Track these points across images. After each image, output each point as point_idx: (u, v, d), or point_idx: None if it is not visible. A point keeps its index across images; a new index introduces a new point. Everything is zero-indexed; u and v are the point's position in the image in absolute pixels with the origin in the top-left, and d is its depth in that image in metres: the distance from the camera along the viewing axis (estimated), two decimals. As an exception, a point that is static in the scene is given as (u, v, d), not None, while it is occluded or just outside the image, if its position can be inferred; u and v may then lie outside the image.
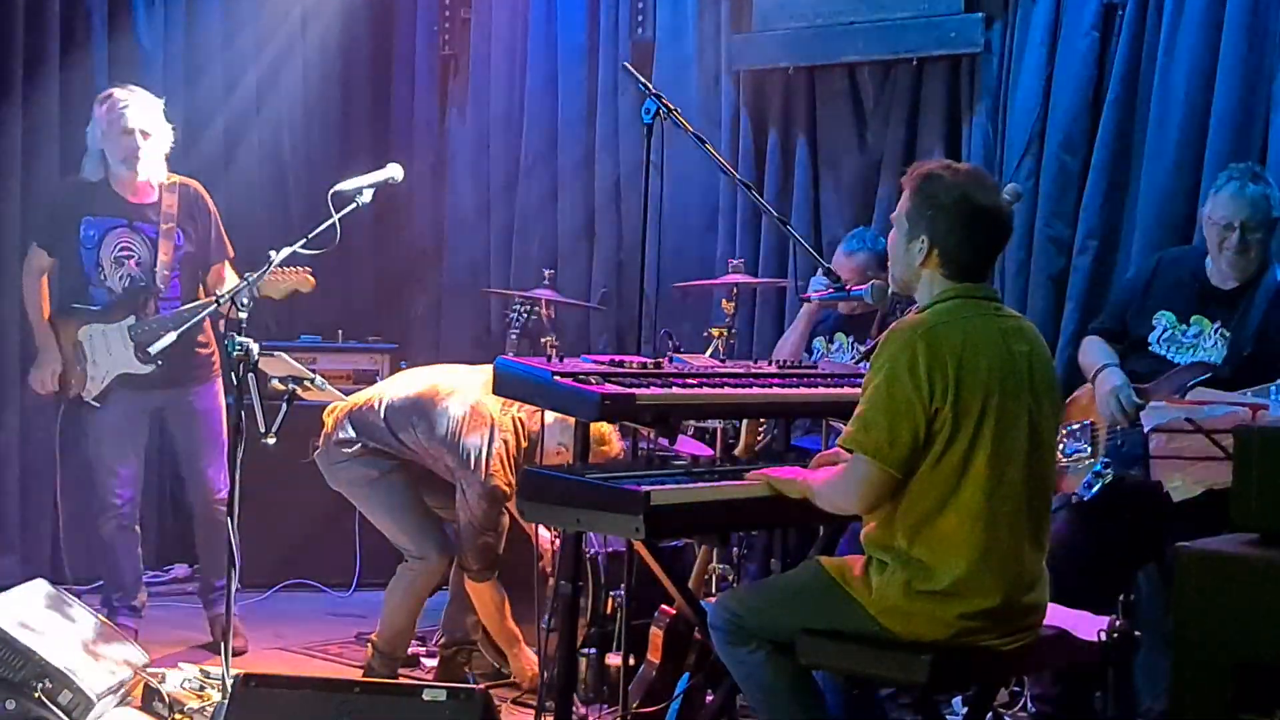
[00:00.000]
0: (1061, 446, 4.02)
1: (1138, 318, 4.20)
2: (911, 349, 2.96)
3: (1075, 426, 4.12)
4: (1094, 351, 4.24)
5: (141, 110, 4.85)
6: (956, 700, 4.30)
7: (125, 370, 4.86)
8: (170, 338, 4.11)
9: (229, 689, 3.72)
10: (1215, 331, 4.06)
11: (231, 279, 4.96)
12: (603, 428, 4.13)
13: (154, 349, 4.15)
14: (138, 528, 5.05)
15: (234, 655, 4.74)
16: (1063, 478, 4.01)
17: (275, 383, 4.30)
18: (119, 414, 4.92)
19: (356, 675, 4.64)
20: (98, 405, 4.89)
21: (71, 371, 4.91)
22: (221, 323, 4.72)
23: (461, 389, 4.37)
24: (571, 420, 3.70)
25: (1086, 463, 4.03)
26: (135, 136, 4.82)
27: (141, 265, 4.87)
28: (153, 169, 4.89)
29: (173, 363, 4.67)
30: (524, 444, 4.32)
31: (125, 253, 4.88)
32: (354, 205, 4.30)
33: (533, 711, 3.95)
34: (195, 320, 4.51)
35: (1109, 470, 3.92)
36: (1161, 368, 4.04)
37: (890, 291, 3.54)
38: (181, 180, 4.98)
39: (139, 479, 5.03)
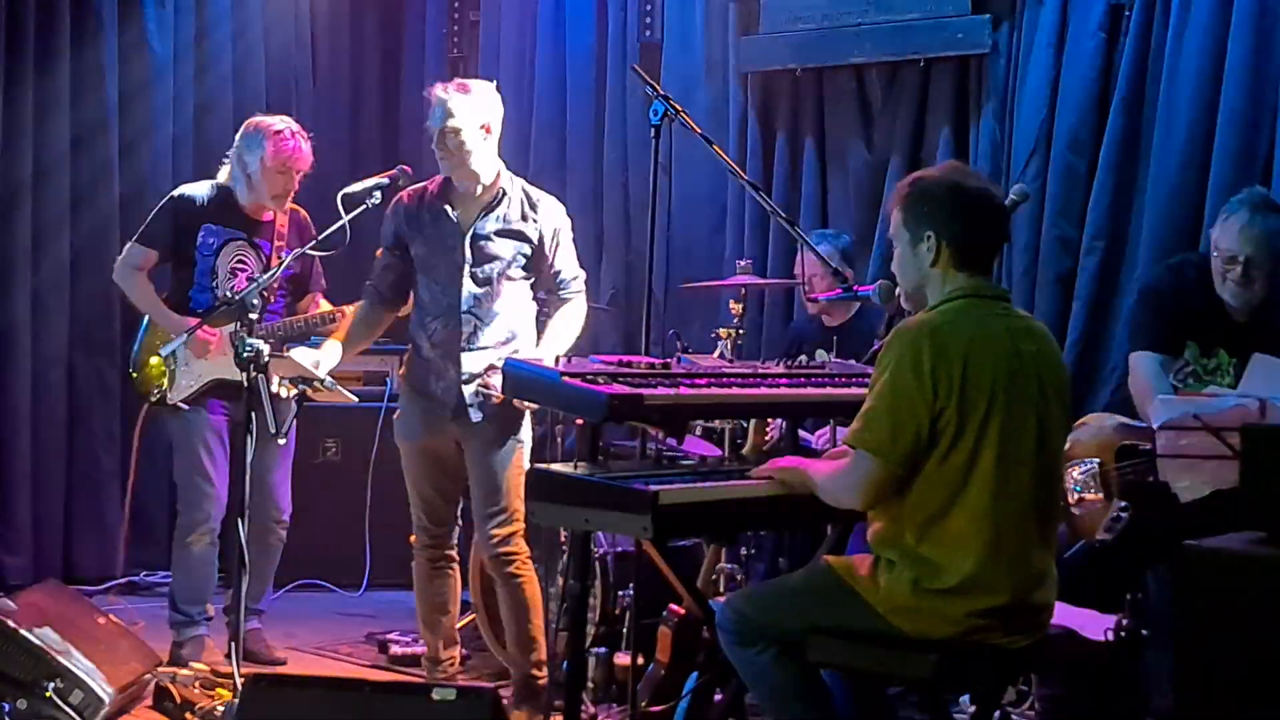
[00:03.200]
0: (1070, 485, 3.95)
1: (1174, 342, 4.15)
2: (916, 347, 2.98)
3: (1083, 468, 4.01)
4: (1152, 377, 4.05)
5: (306, 151, 4.85)
6: (965, 698, 4.30)
7: (222, 376, 4.75)
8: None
9: (239, 689, 3.73)
10: (1231, 366, 4.06)
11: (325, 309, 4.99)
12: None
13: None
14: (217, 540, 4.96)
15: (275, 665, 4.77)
16: (1079, 523, 3.97)
17: (286, 383, 4.31)
18: (216, 424, 4.83)
19: (367, 675, 4.65)
20: (185, 408, 4.81)
21: (156, 373, 4.81)
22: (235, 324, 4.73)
23: None
24: None
25: (1101, 505, 3.96)
26: (294, 178, 4.84)
27: (253, 280, 4.77)
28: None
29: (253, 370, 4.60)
30: None
31: (240, 265, 4.86)
32: (364, 207, 4.31)
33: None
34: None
35: (1127, 512, 3.88)
36: None
37: (897, 293, 3.55)
38: (293, 206, 4.99)
39: (226, 492, 4.90)
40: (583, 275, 4.39)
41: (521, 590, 4.23)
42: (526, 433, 4.27)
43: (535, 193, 4.32)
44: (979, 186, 3.13)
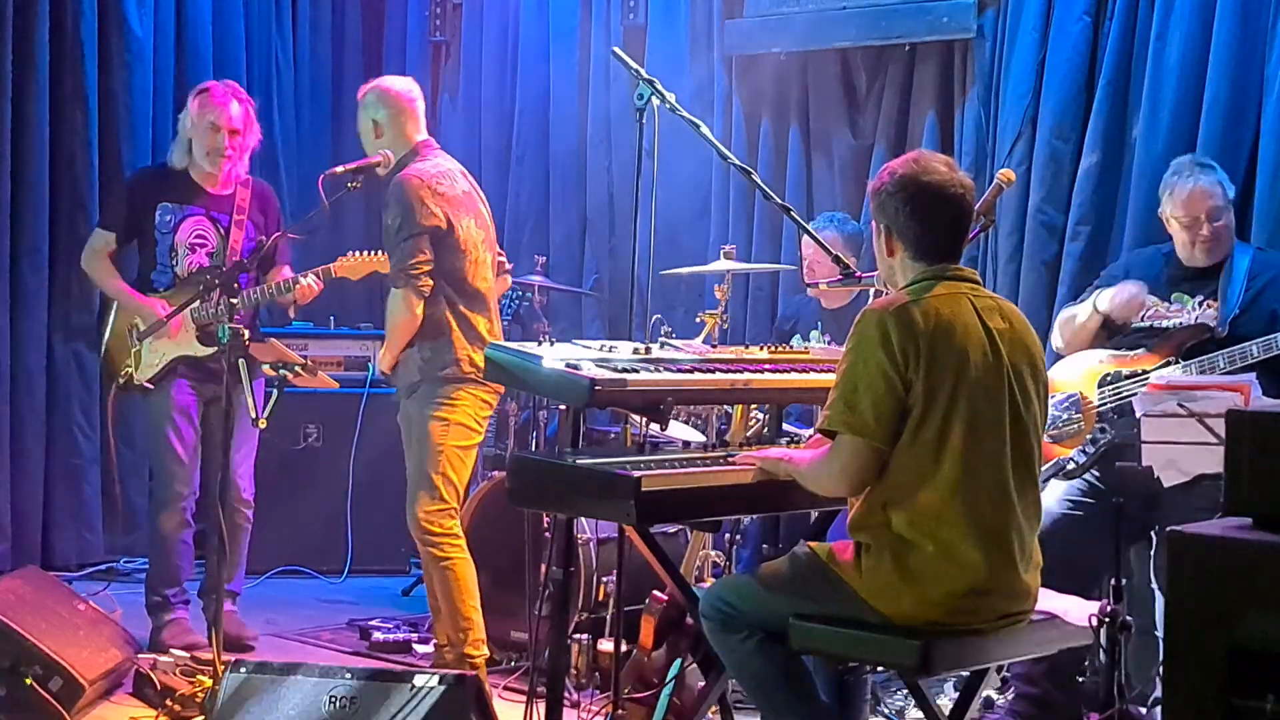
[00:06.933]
0: (1050, 419, 4.01)
1: None
2: (883, 326, 2.98)
3: (1062, 399, 4.10)
4: (1075, 305, 4.33)
5: (235, 109, 4.85)
6: (949, 685, 4.30)
7: (185, 353, 4.77)
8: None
9: (221, 675, 3.71)
10: (1199, 304, 4.12)
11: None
12: None
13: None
14: (191, 520, 4.95)
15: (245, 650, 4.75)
16: (1053, 448, 4.02)
17: (267, 368, 4.29)
18: (182, 402, 4.82)
19: (348, 661, 4.64)
20: (151, 388, 4.80)
21: (123, 354, 4.84)
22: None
23: None
24: None
25: (1078, 428, 4.04)
26: (223, 135, 4.82)
27: (213, 255, 4.84)
28: (236, 166, 4.90)
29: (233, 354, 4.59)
30: None
31: (200, 240, 4.85)
32: (345, 190, 4.29)
33: (524, 697, 3.95)
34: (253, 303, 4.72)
35: (1106, 435, 3.92)
36: (1150, 336, 4.09)
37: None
38: (256, 180, 5.00)
39: (198, 471, 4.91)
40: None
41: (452, 571, 4.26)
42: (458, 410, 4.29)
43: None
44: (933, 180, 3.08)
